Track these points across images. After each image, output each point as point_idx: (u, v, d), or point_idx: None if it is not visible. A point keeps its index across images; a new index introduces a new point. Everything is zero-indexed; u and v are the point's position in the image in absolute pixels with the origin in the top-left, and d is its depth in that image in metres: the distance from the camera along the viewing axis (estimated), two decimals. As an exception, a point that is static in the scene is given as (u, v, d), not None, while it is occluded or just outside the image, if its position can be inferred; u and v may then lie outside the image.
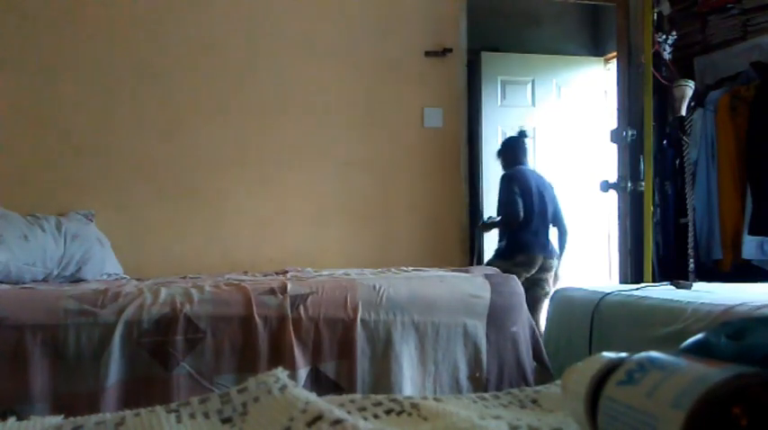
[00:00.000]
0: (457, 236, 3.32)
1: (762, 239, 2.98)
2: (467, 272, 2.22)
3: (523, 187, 3.31)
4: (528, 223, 3.27)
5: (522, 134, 3.54)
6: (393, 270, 2.36)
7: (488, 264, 3.25)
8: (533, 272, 3.25)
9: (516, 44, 4.45)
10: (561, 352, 2.23)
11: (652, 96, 3.24)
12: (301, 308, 1.79)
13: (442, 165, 3.31)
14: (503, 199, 3.37)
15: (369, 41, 3.24)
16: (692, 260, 3.13)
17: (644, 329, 1.90)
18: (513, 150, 3.49)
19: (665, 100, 3.43)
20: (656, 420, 0.37)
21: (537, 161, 4.30)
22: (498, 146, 3.70)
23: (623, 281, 3.37)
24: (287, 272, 2.38)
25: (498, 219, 3.44)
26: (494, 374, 1.93)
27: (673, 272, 3.15)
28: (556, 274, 3.36)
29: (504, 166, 3.52)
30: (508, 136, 3.74)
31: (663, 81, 3.38)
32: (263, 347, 1.73)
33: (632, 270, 3.35)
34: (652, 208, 3.23)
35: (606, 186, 3.34)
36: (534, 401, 0.67)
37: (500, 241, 3.42)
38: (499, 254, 3.35)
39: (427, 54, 3.28)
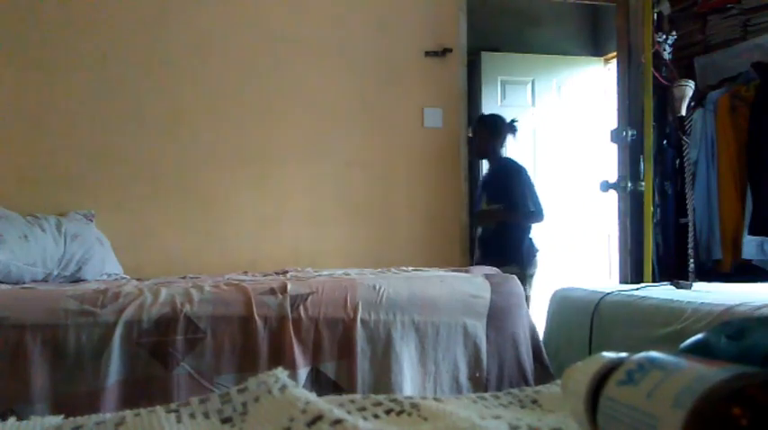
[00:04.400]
0: (457, 236, 3.32)
1: (762, 239, 2.98)
2: (467, 272, 2.22)
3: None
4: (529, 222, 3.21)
5: (513, 125, 3.29)
6: (393, 270, 2.36)
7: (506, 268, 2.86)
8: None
9: (516, 44, 4.45)
10: (561, 352, 2.23)
11: (652, 96, 3.24)
12: (301, 308, 1.79)
13: (442, 165, 3.31)
14: (523, 190, 3.11)
15: (369, 41, 3.24)
16: (692, 260, 3.13)
17: (644, 329, 1.90)
18: (502, 134, 3.24)
19: (664, 100, 3.43)
20: (657, 420, 0.37)
21: (537, 161, 4.30)
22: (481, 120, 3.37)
23: (623, 281, 3.36)
24: (287, 272, 2.38)
25: (499, 208, 3.15)
26: (494, 374, 1.93)
27: (673, 272, 3.15)
28: None
29: (490, 147, 3.24)
30: (492, 113, 3.45)
31: (663, 81, 3.38)
32: (263, 347, 1.73)
33: (632, 270, 3.35)
34: (652, 208, 3.23)
35: (606, 186, 3.34)
36: (534, 401, 0.67)
37: (499, 244, 3.14)
38: (515, 259, 3.05)
39: (427, 54, 3.28)
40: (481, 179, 3.56)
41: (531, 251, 3.16)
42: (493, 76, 4.31)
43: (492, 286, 2.00)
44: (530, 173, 3.26)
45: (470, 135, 3.40)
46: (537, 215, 3.13)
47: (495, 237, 3.17)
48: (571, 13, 4.68)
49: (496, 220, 3.18)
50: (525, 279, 2.99)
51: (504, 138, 3.28)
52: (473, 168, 3.76)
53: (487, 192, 3.25)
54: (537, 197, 3.14)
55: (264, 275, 2.31)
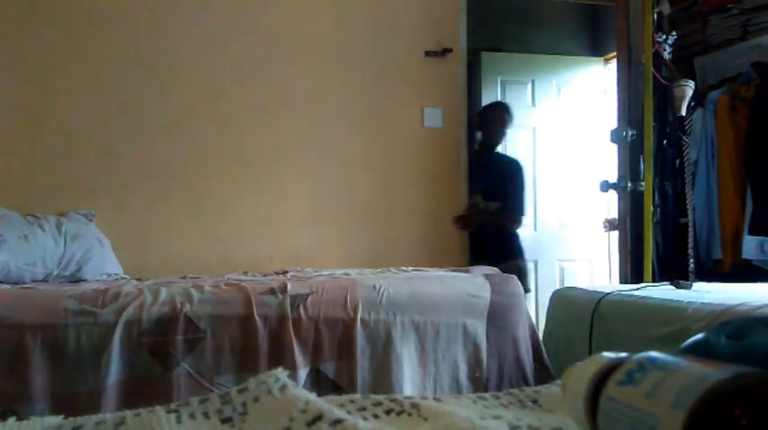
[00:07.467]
0: (457, 236, 3.32)
1: (762, 239, 2.97)
2: (467, 272, 2.22)
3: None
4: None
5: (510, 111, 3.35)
6: (393, 270, 2.36)
7: (510, 263, 3.06)
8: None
9: (516, 44, 4.46)
10: (561, 352, 2.23)
11: (652, 96, 3.24)
12: (301, 308, 1.79)
13: (442, 166, 3.31)
14: (518, 192, 3.22)
15: (369, 41, 3.24)
16: (692, 260, 3.13)
17: (644, 329, 1.90)
18: (508, 123, 3.31)
19: (665, 100, 3.43)
20: (657, 420, 0.37)
21: (537, 161, 4.30)
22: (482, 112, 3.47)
23: (623, 281, 3.36)
24: (287, 272, 2.38)
25: (498, 206, 3.22)
26: (494, 374, 1.93)
27: (673, 272, 3.15)
28: None
29: (491, 140, 3.33)
30: (499, 101, 3.55)
31: (663, 81, 3.38)
32: (263, 347, 1.73)
33: (632, 270, 3.35)
34: (652, 208, 3.23)
35: (606, 186, 3.34)
36: (534, 401, 0.67)
37: (501, 238, 3.27)
38: (519, 252, 3.24)
39: (427, 54, 3.28)
40: (471, 170, 3.37)
41: (522, 245, 3.29)
42: (493, 76, 4.32)
43: (492, 286, 2.00)
44: (528, 172, 3.30)
45: (477, 127, 3.40)
46: (522, 220, 3.29)
47: (495, 232, 3.25)
48: (571, 13, 4.68)
49: (495, 222, 3.25)
50: (527, 273, 3.10)
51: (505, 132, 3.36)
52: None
53: (485, 188, 3.26)
54: (523, 196, 3.28)
55: (264, 275, 2.31)
